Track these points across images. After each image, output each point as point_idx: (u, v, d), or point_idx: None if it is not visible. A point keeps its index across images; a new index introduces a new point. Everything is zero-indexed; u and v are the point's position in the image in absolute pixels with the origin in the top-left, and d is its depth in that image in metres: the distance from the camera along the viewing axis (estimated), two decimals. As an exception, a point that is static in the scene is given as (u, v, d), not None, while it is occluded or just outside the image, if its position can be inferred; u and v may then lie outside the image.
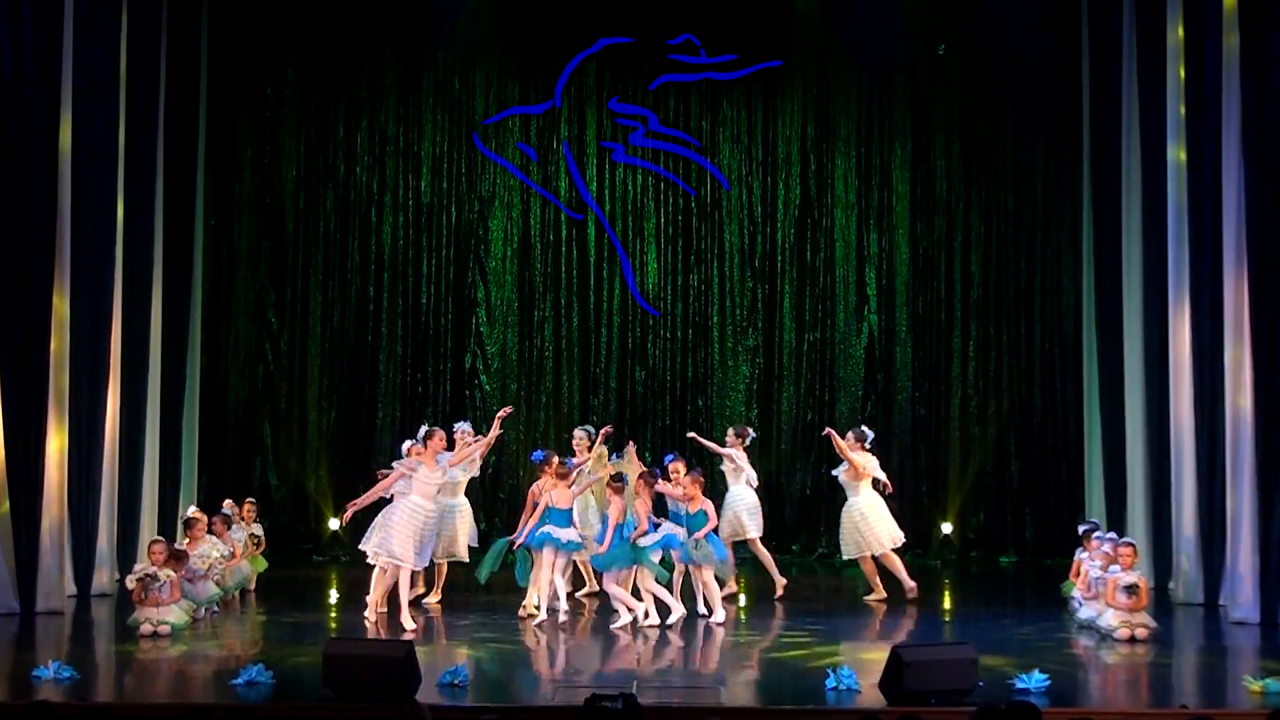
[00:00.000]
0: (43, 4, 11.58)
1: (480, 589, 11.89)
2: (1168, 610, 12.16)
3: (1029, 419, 16.33)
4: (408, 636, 10.18)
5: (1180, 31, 12.74)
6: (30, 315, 11.51)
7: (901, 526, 16.36)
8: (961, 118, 16.60)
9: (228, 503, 12.94)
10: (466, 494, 12.44)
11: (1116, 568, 11.00)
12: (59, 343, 11.76)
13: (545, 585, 11.16)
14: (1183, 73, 12.67)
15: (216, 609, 11.59)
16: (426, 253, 16.59)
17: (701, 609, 11.22)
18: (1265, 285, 11.57)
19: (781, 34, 16.64)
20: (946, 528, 16.30)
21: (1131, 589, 10.71)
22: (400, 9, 16.40)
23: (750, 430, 13.22)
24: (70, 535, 12.12)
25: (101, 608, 12.10)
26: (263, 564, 12.94)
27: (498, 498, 16.21)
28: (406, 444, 11.86)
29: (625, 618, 10.85)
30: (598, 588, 11.99)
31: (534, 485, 11.68)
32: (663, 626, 10.78)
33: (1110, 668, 9.86)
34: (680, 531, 11.23)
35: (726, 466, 12.87)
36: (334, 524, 15.91)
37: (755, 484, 12.76)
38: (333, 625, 11.45)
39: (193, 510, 12.54)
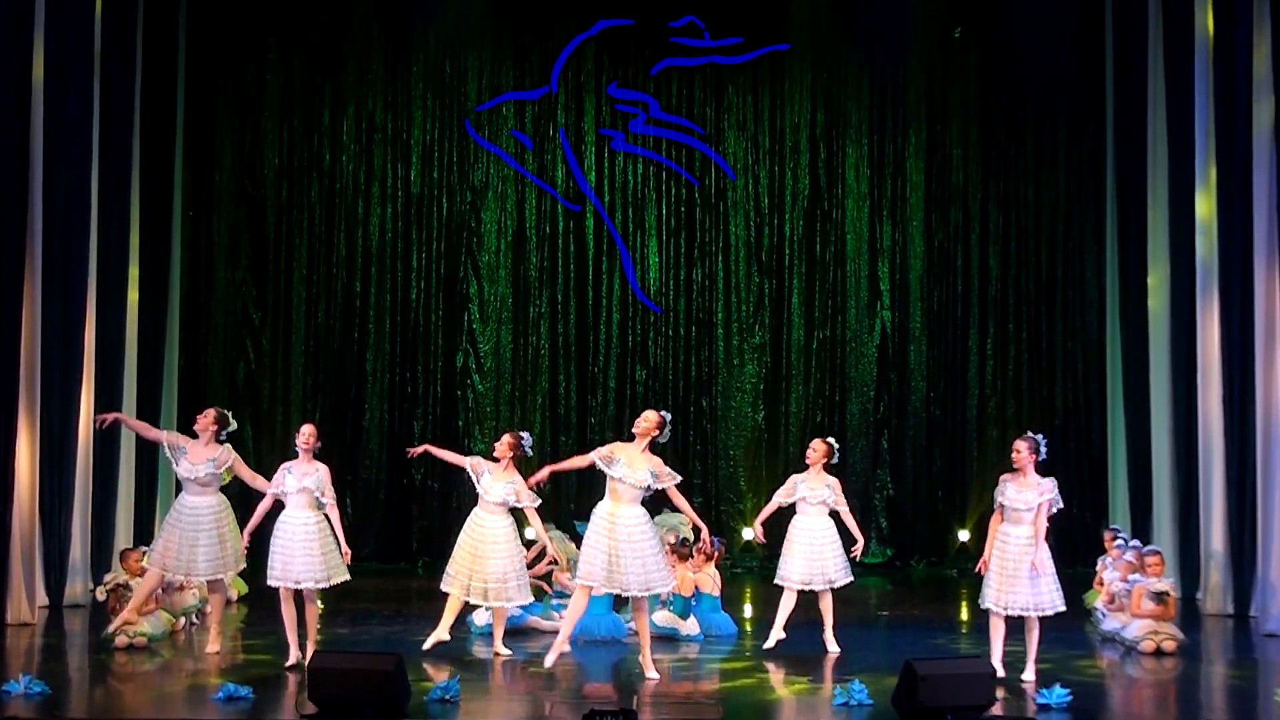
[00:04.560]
0: (12, -16, 11.58)
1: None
2: (1196, 622, 12.16)
3: (1050, 421, 16.31)
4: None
5: (1209, 9, 12.74)
6: (-1, 311, 11.50)
7: (916, 533, 16.54)
8: (978, 103, 16.61)
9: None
10: None
11: (1137, 577, 11.01)
12: (29, 340, 11.75)
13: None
14: (1211, 51, 12.66)
15: (195, 620, 11.59)
16: (416, 246, 16.59)
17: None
18: (1298, 280, 11.59)
19: (789, 16, 16.67)
20: (964, 535, 16.30)
21: (1161, 596, 10.72)
22: (388, -11, 16.44)
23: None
24: (42, 543, 12.11)
25: (75, 619, 12.09)
26: (243, 587, 12.84)
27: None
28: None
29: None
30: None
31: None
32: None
33: (1135, 682, 9.86)
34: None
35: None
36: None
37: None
38: (318, 638, 11.43)
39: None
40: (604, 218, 16.64)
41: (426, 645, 10.17)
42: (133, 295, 14.12)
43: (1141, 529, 14.34)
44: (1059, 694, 8.61)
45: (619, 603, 11.61)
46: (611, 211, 16.66)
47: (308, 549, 9.80)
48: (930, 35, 16.66)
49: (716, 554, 11.81)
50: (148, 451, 14.60)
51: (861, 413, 16.59)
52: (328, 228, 16.56)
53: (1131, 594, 10.94)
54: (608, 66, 16.70)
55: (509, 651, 10.35)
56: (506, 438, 10.35)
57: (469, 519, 10.33)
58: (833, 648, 10.53)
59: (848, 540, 10.80)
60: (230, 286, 16.45)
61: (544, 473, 10.17)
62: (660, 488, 9.53)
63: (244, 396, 16.32)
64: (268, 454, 16.27)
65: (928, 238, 16.63)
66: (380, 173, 16.60)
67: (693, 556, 11.59)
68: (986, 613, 9.62)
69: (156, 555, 10.24)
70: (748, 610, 12.88)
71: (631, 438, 9.60)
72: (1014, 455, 9.59)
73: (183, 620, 11.32)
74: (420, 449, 10.75)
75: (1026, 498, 9.51)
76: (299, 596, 9.89)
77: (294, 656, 9.79)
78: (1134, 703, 9.43)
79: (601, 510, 9.47)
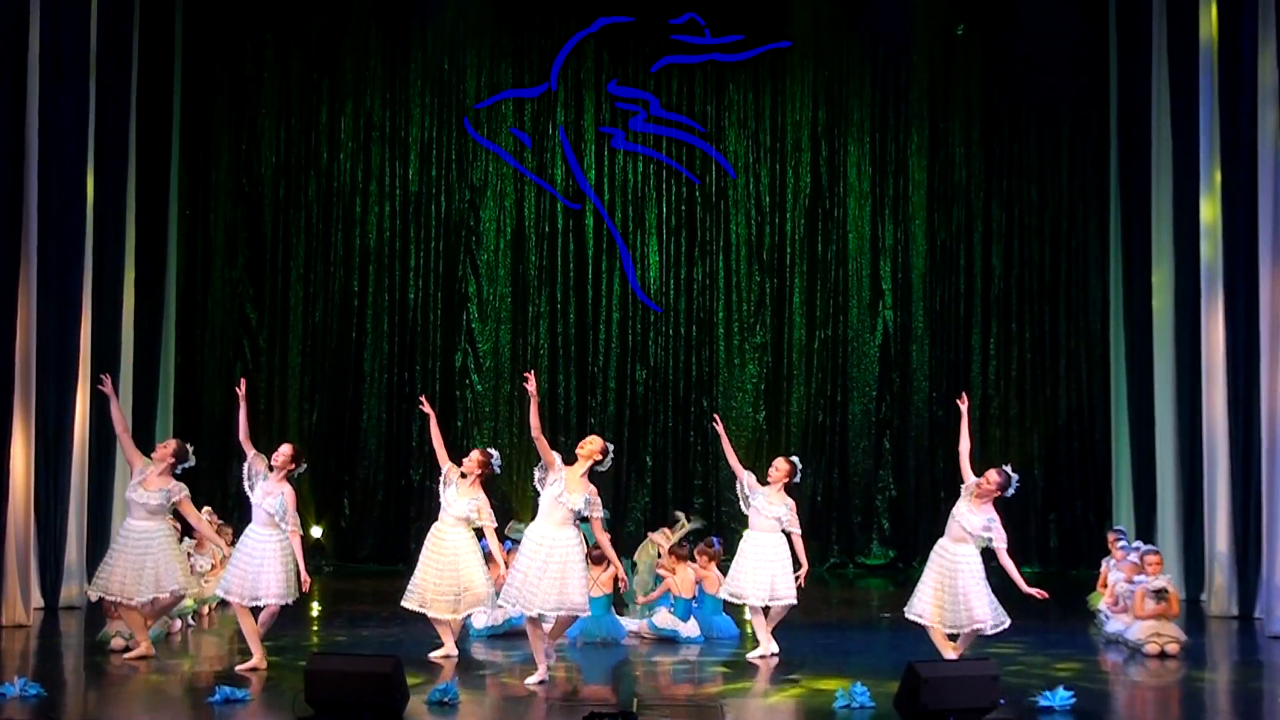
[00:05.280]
0: (6, -20, 11.58)
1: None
2: (1200, 623, 12.17)
3: (1053, 421, 16.35)
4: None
5: (1213, 6, 12.74)
6: (-7, 312, 11.49)
7: (918, 535, 16.51)
8: (981, 101, 16.62)
9: (206, 509, 12.93)
10: None
11: (1143, 577, 11.02)
12: (24, 341, 11.75)
13: None
14: (1216, 50, 12.67)
15: (192, 622, 11.60)
16: (414, 245, 16.60)
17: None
18: (1304, 279, 11.59)
19: (790, 13, 16.68)
20: (966, 536, 16.28)
21: (1160, 593, 10.73)
22: (386, -14, 16.43)
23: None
24: (37, 545, 12.11)
25: (70, 620, 12.10)
26: None
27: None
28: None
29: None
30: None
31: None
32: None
33: (1139, 684, 9.86)
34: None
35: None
36: (316, 532, 15.91)
37: None
38: (315, 640, 11.45)
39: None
40: (604, 216, 16.65)
41: (433, 655, 10.19)
42: (129, 295, 14.13)
43: (1145, 530, 14.34)
44: (1062, 696, 8.61)
45: (619, 605, 11.64)
46: (611, 210, 16.67)
47: (271, 566, 9.78)
48: (932, 32, 16.66)
49: (716, 554, 11.80)
50: (143, 453, 14.56)
51: (863, 413, 16.59)
52: (325, 226, 16.56)
53: (1134, 596, 10.94)
54: (607, 64, 16.71)
55: (455, 652, 10.28)
56: (476, 454, 10.29)
57: (430, 534, 10.31)
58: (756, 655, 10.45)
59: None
60: (227, 286, 16.45)
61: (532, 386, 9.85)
62: (590, 516, 9.41)
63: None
64: (264, 454, 16.25)
65: (930, 236, 16.63)
66: (378, 171, 16.61)
67: (694, 558, 11.59)
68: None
69: (116, 586, 9.96)
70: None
71: (574, 460, 9.50)
72: (982, 482, 9.57)
73: (178, 623, 11.32)
74: (429, 409, 10.62)
75: (974, 521, 9.52)
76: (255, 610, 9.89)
77: (257, 661, 9.77)
78: (1137, 705, 9.43)
79: (534, 534, 9.36)
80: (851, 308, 16.64)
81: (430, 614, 10.24)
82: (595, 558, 11.37)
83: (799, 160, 16.73)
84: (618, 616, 11.35)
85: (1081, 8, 16.10)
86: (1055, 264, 16.53)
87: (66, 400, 12.47)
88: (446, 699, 8.65)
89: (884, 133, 16.67)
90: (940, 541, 9.70)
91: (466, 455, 10.38)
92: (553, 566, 9.24)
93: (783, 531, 10.61)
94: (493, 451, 10.39)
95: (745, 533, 10.69)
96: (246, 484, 9.94)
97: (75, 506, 12.68)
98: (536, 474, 9.52)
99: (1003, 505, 16.72)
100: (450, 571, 10.14)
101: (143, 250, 14.52)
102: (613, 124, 16.69)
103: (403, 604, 10.32)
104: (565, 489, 9.34)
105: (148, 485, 10.09)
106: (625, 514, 16.04)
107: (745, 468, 10.85)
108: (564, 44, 16.61)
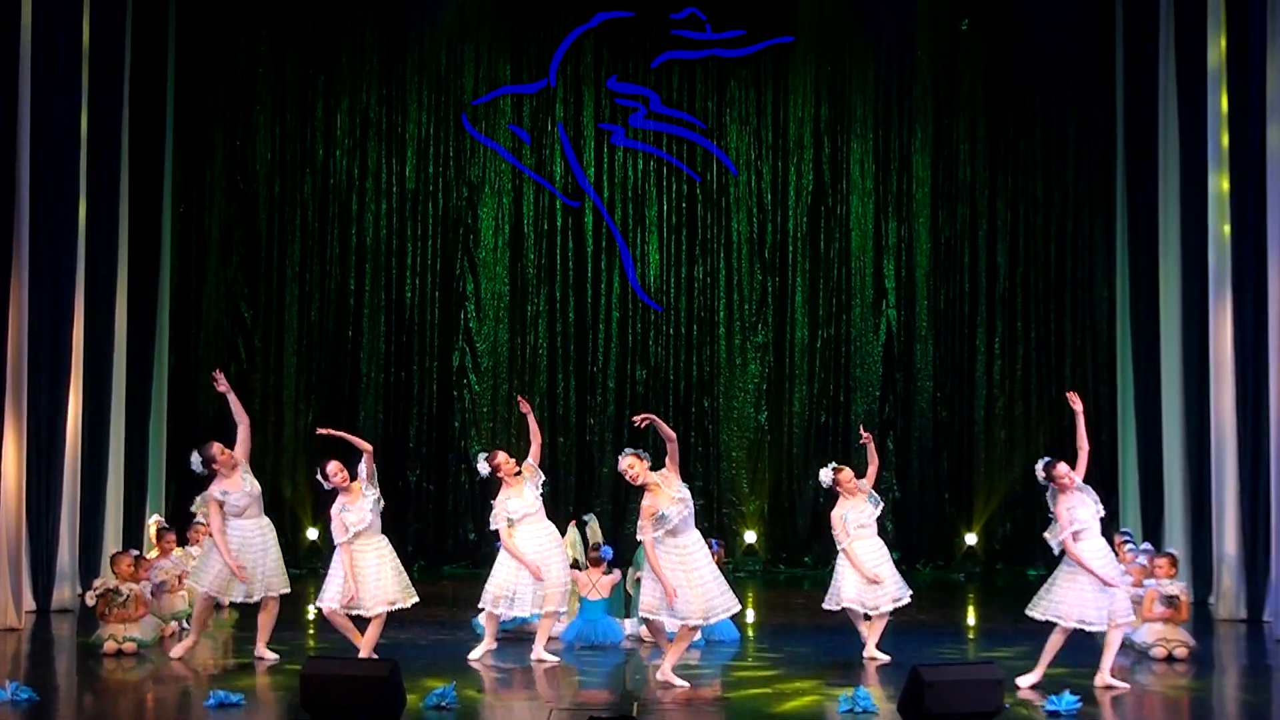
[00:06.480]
0: (-2, -26, 11.58)
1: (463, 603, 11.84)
2: (1208, 627, 12.17)
3: (1059, 421, 16.31)
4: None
5: (1221, 2, 12.74)
6: (-15, 310, 11.50)
7: (922, 537, 16.54)
8: (986, 97, 16.61)
9: (202, 511, 12.93)
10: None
11: (1152, 581, 11.01)
12: (16, 340, 11.75)
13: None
14: (1224, 47, 12.68)
15: (185, 625, 11.59)
16: (411, 243, 16.59)
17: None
18: (1313, 278, 11.59)
19: (793, 8, 16.68)
20: (971, 539, 16.31)
21: (1172, 600, 10.72)
22: (383, -20, 16.43)
23: None
24: (29, 547, 12.12)
25: (63, 624, 12.10)
26: None
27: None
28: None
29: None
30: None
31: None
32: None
33: (1146, 689, 9.85)
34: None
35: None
36: (312, 533, 15.91)
37: None
38: (311, 643, 11.44)
39: (157, 519, 12.59)
40: (603, 214, 16.64)
41: (473, 656, 10.38)
42: (122, 293, 14.13)
43: (1153, 532, 14.35)
44: (1068, 700, 8.61)
45: (630, 607, 11.63)
46: (611, 207, 16.66)
47: (386, 571, 10.03)
48: (937, 27, 16.66)
49: (716, 556, 11.78)
50: (137, 454, 14.61)
51: (866, 413, 16.58)
52: (321, 224, 16.56)
53: (1144, 598, 10.94)
54: (607, 59, 16.71)
55: (554, 658, 10.39)
56: (504, 457, 10.69)
57: (517, 541, 10.40)
58: (883, 656, 10.49)
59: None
60: (221, 284, 16.46)
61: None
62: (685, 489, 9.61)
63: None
64: (260, 454, 16.20)
65: (934, 234, 16.63)
66: (375, 168, 16.61)
67: None
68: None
69: (230, 585, 10.21)
70: (750, 615, 12.88)
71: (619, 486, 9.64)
72: (1065, 479, 9.54)
73: (173, 625, 11.32)
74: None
75: (1086, 511, 9.57)
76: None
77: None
78: (1145, 710, 9.42)
79: (671, 548, 9.44)
80: (854, 306, 16.64)
81: (516, 614, 10.47)
82: (594, 559, 11.39)
83: (801, 157, 16.72)
84: (617, 620, 11.35)
85: (1087, 3, 16.10)
86: (1061, 262, 16.53)
87: (59, 401, 12.48)
88: (444, 703, 8.64)
89: (887, 129, 16.67)
90: (1069, 547, 9.56)
91: (477, 458, 10.90)
92: (707, 569, 9.54)
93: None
94: (499, 453, 10.74)
95: (848, 545, 10.46)
96: (351, 532, 9.99)
97: (67, 509, 12.69)
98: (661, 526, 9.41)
99: (1009, 507, 16.81)
100: (543, 568, 10.38)
101: (136, 248, 14.54)
102: (612, 120, 16.69)
103: (491, 610, 10.45)
104: (674, 503, 9.47)
105: (236, 485, 10.26)
106: (625, 516, 16.02)
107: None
108: (563, 39, 16.61)
